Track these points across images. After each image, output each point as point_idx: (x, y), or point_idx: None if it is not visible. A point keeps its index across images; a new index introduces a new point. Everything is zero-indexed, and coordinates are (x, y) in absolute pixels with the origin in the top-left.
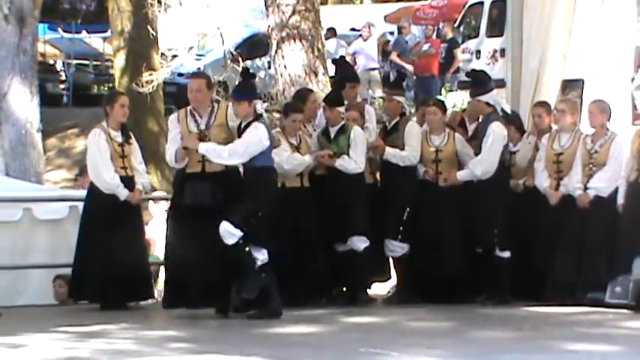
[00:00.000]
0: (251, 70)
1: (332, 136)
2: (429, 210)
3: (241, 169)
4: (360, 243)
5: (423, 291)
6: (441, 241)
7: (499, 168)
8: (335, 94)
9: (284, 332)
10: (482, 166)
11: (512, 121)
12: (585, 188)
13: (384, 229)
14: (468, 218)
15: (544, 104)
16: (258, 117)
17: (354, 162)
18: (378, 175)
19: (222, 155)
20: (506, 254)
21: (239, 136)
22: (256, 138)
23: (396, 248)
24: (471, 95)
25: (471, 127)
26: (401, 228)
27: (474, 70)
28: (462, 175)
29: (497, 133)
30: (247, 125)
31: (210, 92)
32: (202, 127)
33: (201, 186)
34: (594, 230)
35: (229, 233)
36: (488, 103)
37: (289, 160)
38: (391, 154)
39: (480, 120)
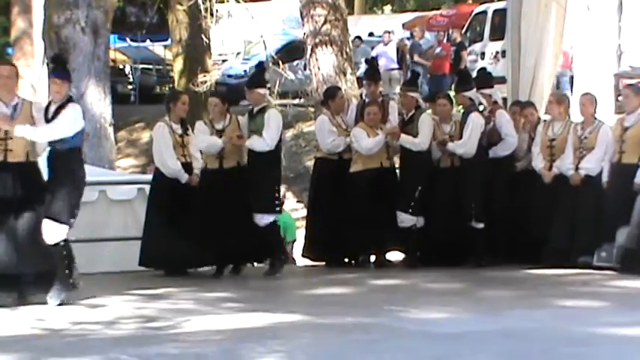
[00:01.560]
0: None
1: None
2: (437, 189)
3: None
4: (261, 220)
5: (426, 258)
6: (446, 215)
7: (478, 151)
8: (252, 79)
9: (319, 293)
10: (462, 148)
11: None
12: (576, 169)
13: (397, 203)
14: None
15: (531, 104)
16: (70, 99)
17: (263, 140)
18: (395, 160)
19: (45, 131)
20: (480, 225)
21: (52, 118)
22: (76, 116)
23: (406, 220)
24: (455, 91)
25: None
26: (412, 203)
27: (460, 70)
28: (449, 146)
29: (475, 122)
30: (62, 106)
31: (17, 82)
32: (8, 116)
33: (2, 177)
34: (584, 204)
35: (53, 233)
36: (470, 98)
37: (201, 142)
38: (405, 139)
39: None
